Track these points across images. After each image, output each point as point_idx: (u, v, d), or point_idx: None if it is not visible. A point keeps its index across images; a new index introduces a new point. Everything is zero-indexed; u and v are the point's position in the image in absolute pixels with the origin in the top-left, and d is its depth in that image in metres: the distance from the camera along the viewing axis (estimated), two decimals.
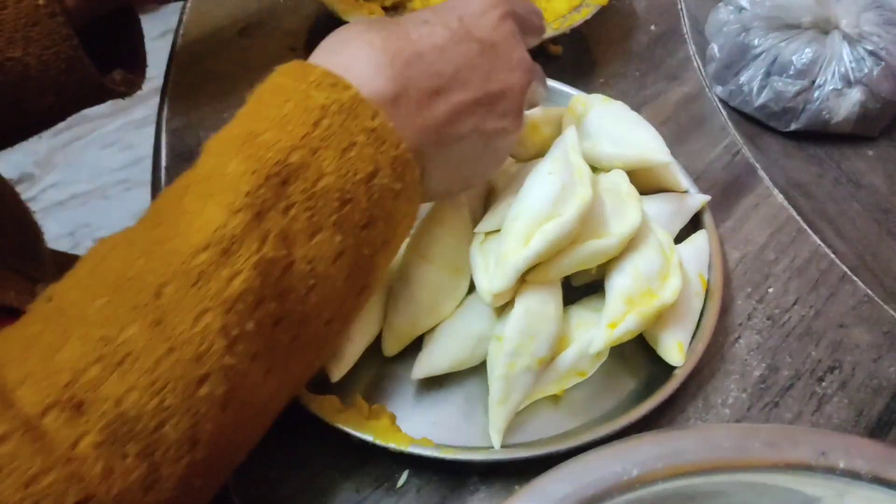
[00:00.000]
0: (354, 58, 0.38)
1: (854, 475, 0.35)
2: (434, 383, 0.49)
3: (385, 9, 0.71)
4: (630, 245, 0.48)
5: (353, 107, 0.36)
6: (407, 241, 0.50)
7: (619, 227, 0.47)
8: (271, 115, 0.36)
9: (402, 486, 0.45)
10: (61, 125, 0.56)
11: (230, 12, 0.72)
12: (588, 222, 0.47)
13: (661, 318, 0.48)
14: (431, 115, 0.39)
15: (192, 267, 0.33)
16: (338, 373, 0.46)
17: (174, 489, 0.32)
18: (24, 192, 1.63)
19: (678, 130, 0.64)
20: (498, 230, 0.48)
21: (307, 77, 0.37)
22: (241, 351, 0.33)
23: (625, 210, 0.48)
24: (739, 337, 0.53)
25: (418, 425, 0.46)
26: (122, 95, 0.55)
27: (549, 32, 0.65)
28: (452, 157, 0.42)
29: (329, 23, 0.65)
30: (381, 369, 0.49)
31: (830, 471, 0.35)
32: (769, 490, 0.36)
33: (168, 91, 0.64)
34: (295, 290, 0.35)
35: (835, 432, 0.37)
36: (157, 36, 0.58)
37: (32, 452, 0.29)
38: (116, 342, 0.31)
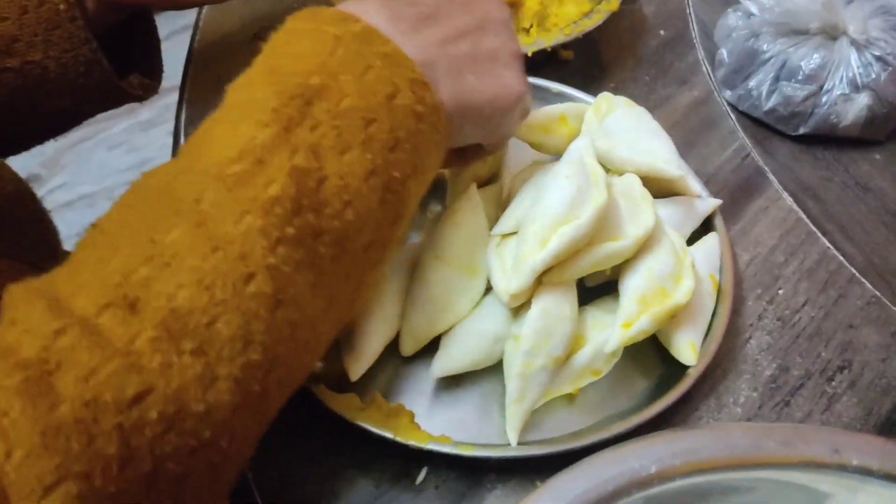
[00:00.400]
0: (350, 5, 0.41)
1: (867, 472, 0.36)
2: (451, 382, 0.50)
3: None
4: (644, 247, 0.49)
5: (366, 35, 0.38)
6: (423, 241, 0.51)
7: (633, 229, 0.48)
8: (290, 52, 0.38)
9: (421, 482, 0.46)
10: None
11: (244, 18, 0.73)
12: (603, 225, 0.48)
13: (674, 318, 0.49)
14: (429, 35, 0.41)
15: (228, 175, 0.34)
16: (356, 372, 0.47)
17: (232, 391, 0.32)
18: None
19: (687, 134, 0.65)
20: (514, 232, 0.49)
21: (318, 17, 0.39)
22: (283, 254, 0.33)
23: (638, 213, 0.49)
24: (750, 337, 0.53)
25: (436, 424, 0.47)
26: (139, 99, 0.56)
27: (561, 38, 0.66)
28: (469, 82, 0.42)
29: None
30: (400, 369, 0.50)
31: (843, 468, 0.36)
32: (782, 487, 0.37)
33: (185, 95, 0.65)
34: (331, 205, 0.35)
35: (847, 431, 0.37)
36: (164, 38, 0.59)
37: (90, 345, 0.29)
38: (163, 244, 0.32)
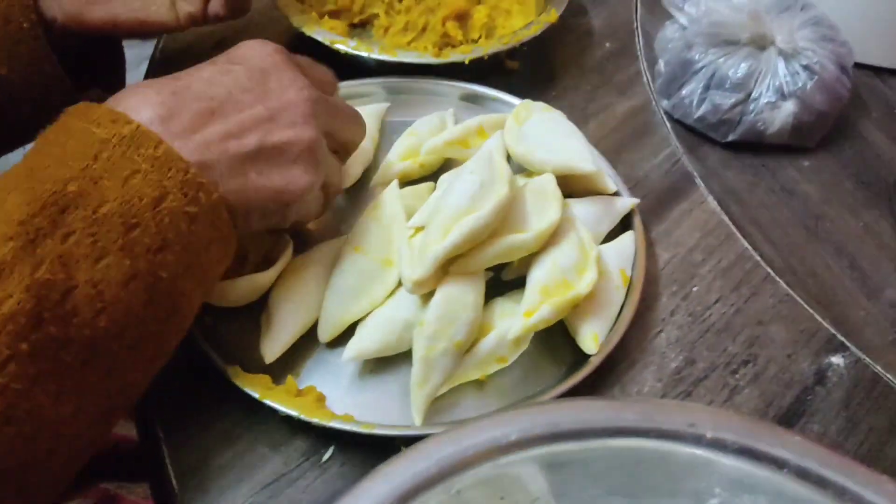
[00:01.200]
0: (129, 98, 0.41)
1: (720, 445, 0.38)
2: (368, 369, 0.52)
3: (352, 26, 0.75)
4: (550, 240, 0.52)
5: (136, 138, 0.38)
6: (346, 235, 0.54)
7: (537, 223, 0.51)
8: (53, 153, 0.38)
9: (327, 460, 0.48)
10: None
11: (206, 26, 0.77)
12: (509, 218, 0.50)
13: (580, 309, 0.51)
14: (210, 133, 0.41)
15: None
16: (272, 355, 0.50)
17: None
18: None
19: (622, 140, 0.68)
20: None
21: (90, 116, 0.39)
22: (13, 371, 0.33)
23: (546, 209, 0.52)
24: (661, 331, 0.55)
25: (350, 407, 0.49)
26: None
27: (502, 46, 0.69)
28: (251, 179, 0.43)
29: (301, 38, 0.70)
30: (319, 355, 0.53)
31: (698, 440, 0.38)
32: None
33: None
34: (80, 314, 0.35)
35: (708, 407, 0.39)
36: (135, 65, 0.63)
37: None
38: None
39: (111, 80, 0.60)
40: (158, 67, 0.72)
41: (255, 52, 0.46)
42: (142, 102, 0.40)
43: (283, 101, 0.44)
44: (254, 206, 0.44)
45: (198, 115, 0.41)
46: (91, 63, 0.59)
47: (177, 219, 0.38)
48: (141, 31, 0.61)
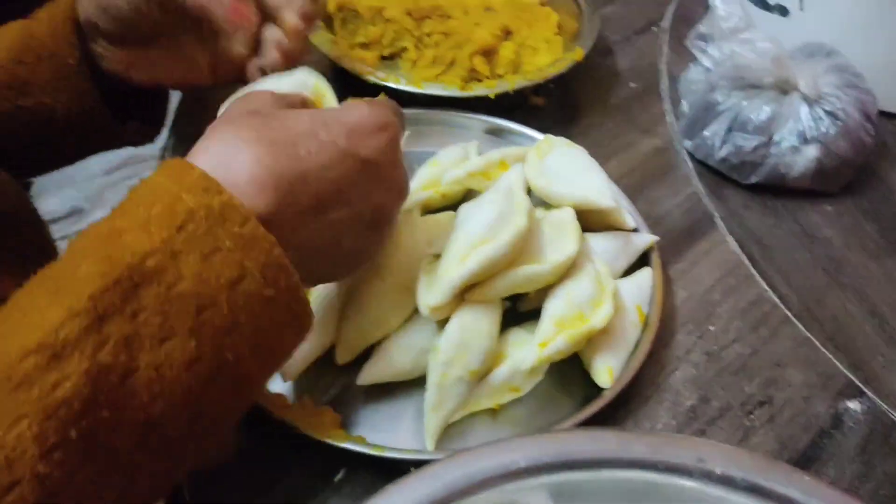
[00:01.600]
0: (239, 171, 0.38)
1: (729, 482, 0.38)
2: (384, 393, 0.53)
3: (382, 58, 0.77)
4: (567, 273, 0.52)
5: (223, 212, 0.36)
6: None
7: (554, 255, 0.51)
8: (139, 216, 0.36)
9: (339, 480, 0.49)
10: (113, 164, 0.63)
11: None
12: (526, 249, 0.51)
13: (594, 342, 0.52)
14: (307, 231, 0.40)
15: (18, 371, 0.32)
16: (289, 375, 0.51)
17: None
18: (74, 225, 1.73)
19: (643, 178, 0.69)
20: None
21: (183, 179, 0.37)
22: (58, 459, 0.31)
23: (563, 241, 0.52)
24: (676, 369, 0.55)
25: (363, 429, 0.50)
26: (136, 144, 0.61)
27: (527, 82, 0.70)
28: (323, 262, 0.43)
29: (333, 67, 0.72)
30: (336, 377, 0.53)
31: (707, 476, 0.38)
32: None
33: (175, 126, 0.71)
34: (137, 396, 0.33)
35: (717, 443, 0.39)
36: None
37: None
38: None
39: (153, 114, 0.62)
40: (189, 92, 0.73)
41: (376, 142, 0.43)
42: (257, 191, 0.38)
43: (380, 203, 0.44)
44: (322, 280, 0.47)
45: (304, 214, 0.40)
46: (134, 98, 0.61)
47: (252, 301, 0.36)
48: (184, 89, 0.63)
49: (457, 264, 0.49)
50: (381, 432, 0.51)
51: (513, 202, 0.50)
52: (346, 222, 0.42)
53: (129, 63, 0.56)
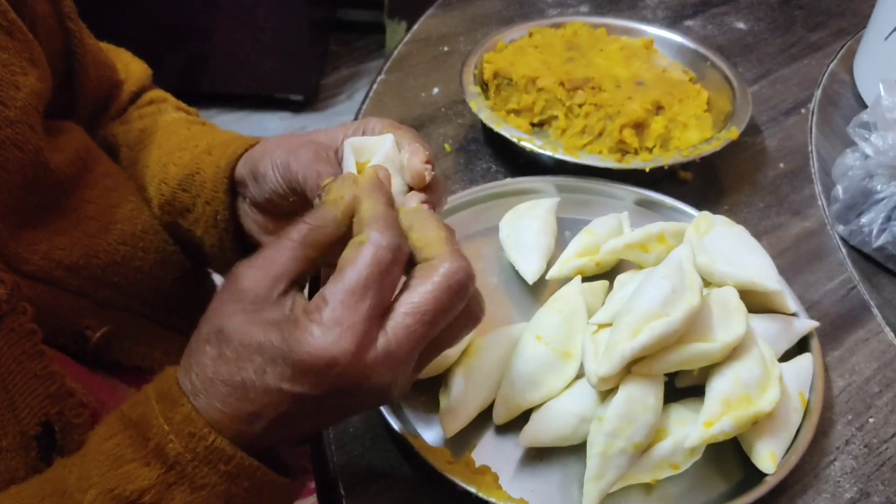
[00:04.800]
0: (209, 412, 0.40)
1: None
2: (537, 456, 0.53)
3: (532, 125, 0.79)
4: (733, 354, 0.52)
5: (207, 456, 0.39)
6: (526, 322, 0.56)
7: (723, 335, 0.51)
8: (136, 447, 0.40)
9: None
10: None
11: (398, 114, 0.83)
12: (695, 327, 0.51)
13: (757, 426, 0.51)
14: (275, 438, 0.42)
15: None
16: (451, 430, 0.52)
17: None
18: None
19: (796, 261, 0.68)
20: (610, 324, 0.53)
21: (172, 418, 0.40)
22: None
23: (731, 321, 0.52)
24: (835, 460, 0.54)
25: (517, 490, 0.51)
26: None
27: (678, 158, 0.71)
28: (318, 426, 0.46)
29: (484, 129, 0.74)
30: (492, 435, 0.54)
31: None
32: None
33: None
34: None
35: None
36: None
37: None
38: None
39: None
40: None
41: (324, 381, 0.39)
42: (235, 429, 0.40)
43: (349, 412, 0.45)
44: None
45: (270, 430, 0.40)
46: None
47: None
48: None
49: (629, 336, 0.49)
50: (533, 494, 0.51)
51: (685, 279, 0.51)
52: (314, 426, 0.43)
53: (265, 228, 0.58)
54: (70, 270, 0.55)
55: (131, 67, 0.71)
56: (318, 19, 2.22)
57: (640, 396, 0.50)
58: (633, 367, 0.51)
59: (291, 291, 0.41)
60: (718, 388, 0.51)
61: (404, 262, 0.41)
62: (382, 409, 0.52)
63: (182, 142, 0.63)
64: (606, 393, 0.51)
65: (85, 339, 0.57)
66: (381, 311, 0.39)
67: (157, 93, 0.72)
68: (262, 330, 0.39)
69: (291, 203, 0.52)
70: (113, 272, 0.58)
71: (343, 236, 0.42)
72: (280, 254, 0.41)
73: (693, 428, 0.50)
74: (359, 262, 0.39)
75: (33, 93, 0.52)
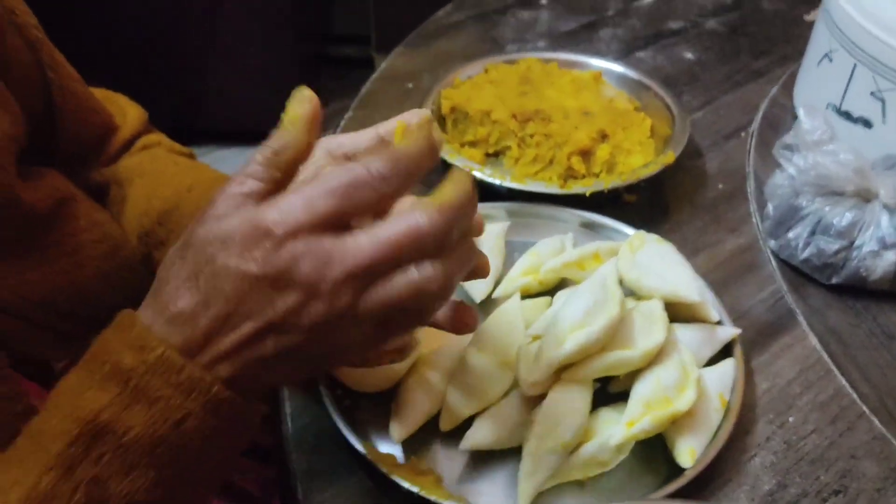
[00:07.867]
0: (167, 313, 0.41)
1: None
2: (481, 459, 0.58)
3: (487, 155, 0.85)
4: (655, 359, 0.57)
5: (156, 366, 0.40)
6: (470, 336, 0.61)
7: (644, 343, 0.57)
8: (96, 373, 0.41)
9: None
10: None
11: None
12: (617, 336, 0.56)
13: (678, 425, 0.56)
14: (222, 347, 0.41)
15: None
16: (400, 436, 0.57)
17: None
18: None
19: (729, 275, 0.73)
20: (542, 335, 0.58)
21: (125, 337, 0.41)
22: None
23: (652, 330, 0.58)
24: (755, 455, 0.59)
25: (464, 491, 0.56)
26: None
27: (621, 182, 0.77)
28: (278, 369, 0.43)
29: (444, 163, 0.80)
30: (439, 441, 0.59)
31: None
32: None
33: None
34: None
35: None
36: None
37: None
38: None
39: None
40: None
41: (260, 252, 0.39)
42: (157, 331, 0.41)
43: (287, 309, 0.40)
44: (308, 374, 0.51)
45: (209, 329, 0.41)
46: None
47: (198, 432, 0.41)
48: None
49: (555, 346, 0.55)
50: (476, 494, 0.56)
51: (607, 292, 0.56)
52: (258, 334, 0.40)
53: None
54: (38, 305, 0.57)
55: (127, 112, 0.74)
56: (307, 55, 2.30)
57: (568, 400, 0.55)
58: (562, 373, 0.56)
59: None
60: (641, 391, 0.56)
61: (388, 194, 0.40)
62: (337, 419, 0.57)
63: (168, 178, 0.67)
64: (540, 398, 0.57)
65: (49, 368, 0.59)
66: (339, 220, 0.39)
67: (152, 137, 0.74)
68: (220, 224, 0.40)
69: None
70: (82, 307, 0.60)
71: (306, 150, 0.42)
72: (247, 176, 0.41)
73: (617, 428, 0.55)
74: (335, 171, 0.39)
75: (5, 136, 0.54)
